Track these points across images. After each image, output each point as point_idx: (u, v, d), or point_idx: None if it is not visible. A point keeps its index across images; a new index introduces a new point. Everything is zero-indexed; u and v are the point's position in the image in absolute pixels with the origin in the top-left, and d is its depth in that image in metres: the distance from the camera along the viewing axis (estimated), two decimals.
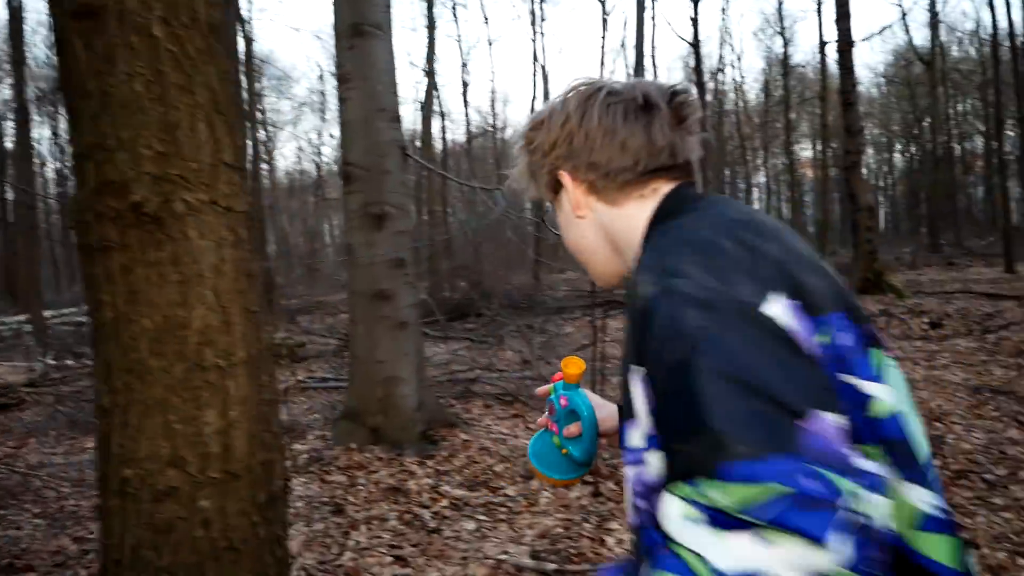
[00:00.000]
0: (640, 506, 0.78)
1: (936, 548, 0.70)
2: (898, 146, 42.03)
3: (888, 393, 0.74)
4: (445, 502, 4.28)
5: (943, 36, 28.07)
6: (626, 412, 0.79)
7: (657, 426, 0.71)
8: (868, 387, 0.73)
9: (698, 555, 0.62)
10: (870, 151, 41.40)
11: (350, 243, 5.30)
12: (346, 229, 5.46)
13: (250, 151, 21.80)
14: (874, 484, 0.63)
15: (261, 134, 27.21)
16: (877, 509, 0.62)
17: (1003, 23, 25.84)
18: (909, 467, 0.72)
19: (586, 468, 1.15)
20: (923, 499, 0.71)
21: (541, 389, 1.22)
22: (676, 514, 0.64)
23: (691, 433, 0.65)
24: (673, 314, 0.69)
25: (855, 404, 0.71)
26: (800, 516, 0.58)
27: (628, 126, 0.87)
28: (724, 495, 0.61)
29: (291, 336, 13.44)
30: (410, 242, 5.35)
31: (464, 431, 5.62)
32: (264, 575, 1.31)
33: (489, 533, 3.83)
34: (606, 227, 0.93)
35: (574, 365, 1.13)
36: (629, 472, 0.80)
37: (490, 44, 30.23)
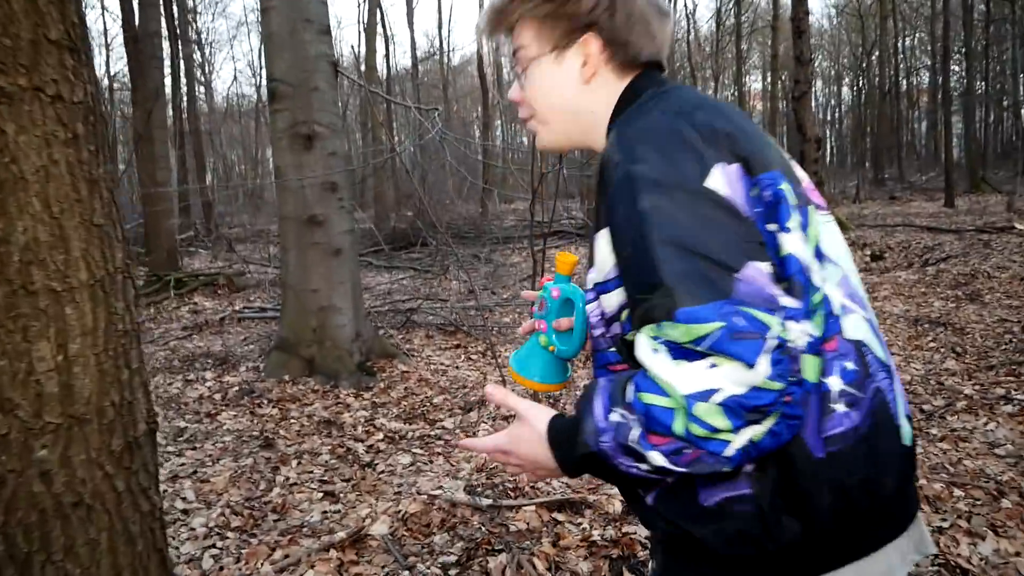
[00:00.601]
0: (597, 333, 0.96)
1: (812, 367, 0.82)
2: (847, 79, 42.26)
3: (791, 237, 0.85)
4: (380, 436, 4.14)
5: None
6: (589, 261, 0.95)
7: (624, 282, 0.87)
8: (781, 235, 0.86)
9: (667, 381, 0.78)
10: (819, 84, 41.55)
11: (278, 165, 4.98)
12: (274, 150, 5.12)
13: (183, 72, 20.65)
14: (792, 315, 0.79)
15: (197, 55, 25.79)
16: (794, 333, 0.78)
17: None
18: (804, 300, 0.83)
19: (568, 374, 1.15)
20: (808, 329, 0.81)
21: (527, 293, 1.25)
22: (646, 348, 0.81)
23: (650, 288, 0.81)
24: (633, 194, 0.84)
25: (772, 249, 0.84)
26: (734, 344, 0.76)
27: (657, 20, 1.01)
28: (678, 333, 0.78)
29: (230, 265, 13.01)
30: (343, 164, 5.04)
31: (403, 362, 5.46)
32: (126, 532, 1.12)
33: (424, 467, 3.71)
34: (588, 98, 1.01)
35: (568, 257, 1.15)
36: (591, 307, 0.96)
37: None
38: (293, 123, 4.80)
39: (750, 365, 0.75)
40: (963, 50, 23.80)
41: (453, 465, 3.73)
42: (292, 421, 4.38)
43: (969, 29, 23.09)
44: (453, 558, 2.81)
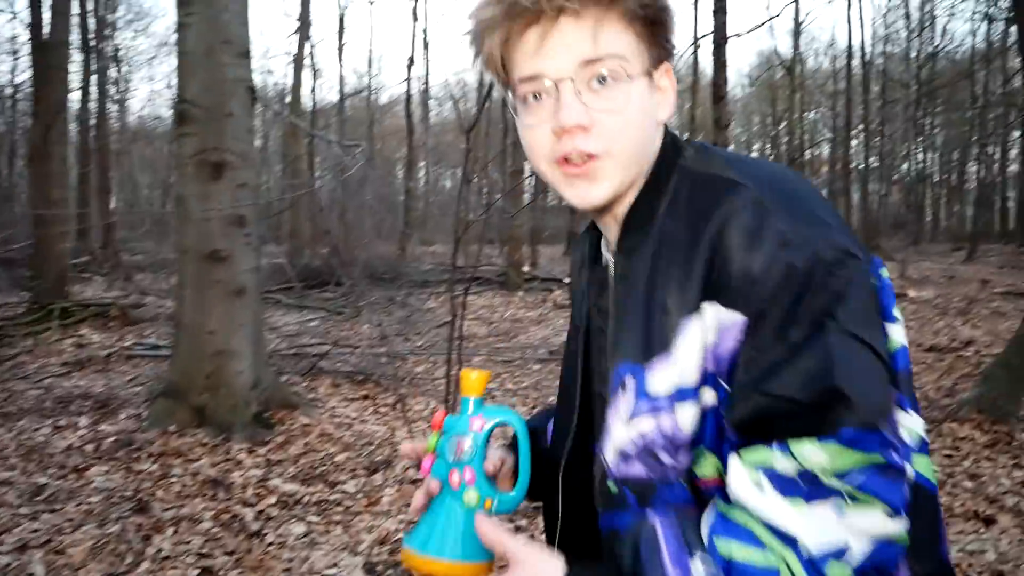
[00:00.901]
0: (667, 461, 0.72)
1: (925, 467, 0.72)
2: (756, 146, 44.33)
3: (898, 328, 0.73)
4: (273, 499, 3.74)
5: (803, 46, 29.59)
6: (648, 351, 0.73)
7: (746, 375, 0.66)
8: (888, 326, 0.71)
9: (785, 528, 0.62)
10: (732, 148, 43.38)
11: (181, 194, 4.57)
12: (178, 177, 4.71)
13: (95, 86, 19.59)
14: (920, 449, 0.70)
15: (113, 71, 24.63)
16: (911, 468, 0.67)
17: (856, 40, 27.48)
18: (912, 396, 0.72)
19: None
20: (919, 425, 0.72)
21: (407, 447, 0.96)
22: (745, 481, 0.64)
23: (811, 389, 0.63)
24: (820, 264, 0.65)
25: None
26: (884, 485, 0.62)
27: None
28: (828, 457, 0.61)
29: (126, 295, 12.15)
30: (254, 197, 4.68)
31: (306, 414, 5.06)
32: None
33: (320, 539, 3.33)
34: (655, 141, 0.81)
35: (477, 375, 0.87)
36: (644, 422, 0.73)
37: (371, 2, 28.57)
38: (201, 149, 4.43)
39: (896, 512, 0.63)
40: (860, 126, 25.34)
41: (352, 536, 3.37)
42: (173, 480, 3.92)
43: (868, 108, 24.64)
44: None
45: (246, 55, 4.53)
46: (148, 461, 4.15)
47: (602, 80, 0.73)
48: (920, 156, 29.58)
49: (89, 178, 18.49)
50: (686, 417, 0.70)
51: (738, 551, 0.64)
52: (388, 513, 3.59)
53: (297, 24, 18.48)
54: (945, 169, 35.21)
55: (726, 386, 0.68)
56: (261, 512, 3.59)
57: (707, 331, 0.69)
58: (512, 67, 0.76)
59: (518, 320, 10.51)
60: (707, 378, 0.69)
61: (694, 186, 0.76)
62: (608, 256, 0.86)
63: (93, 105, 19.50)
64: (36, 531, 3.35)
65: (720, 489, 0.70)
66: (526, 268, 15.59)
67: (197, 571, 3.01)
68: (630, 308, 0.76)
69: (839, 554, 0.61)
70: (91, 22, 18.69)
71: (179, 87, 4.50)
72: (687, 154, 0.80)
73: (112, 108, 29.02)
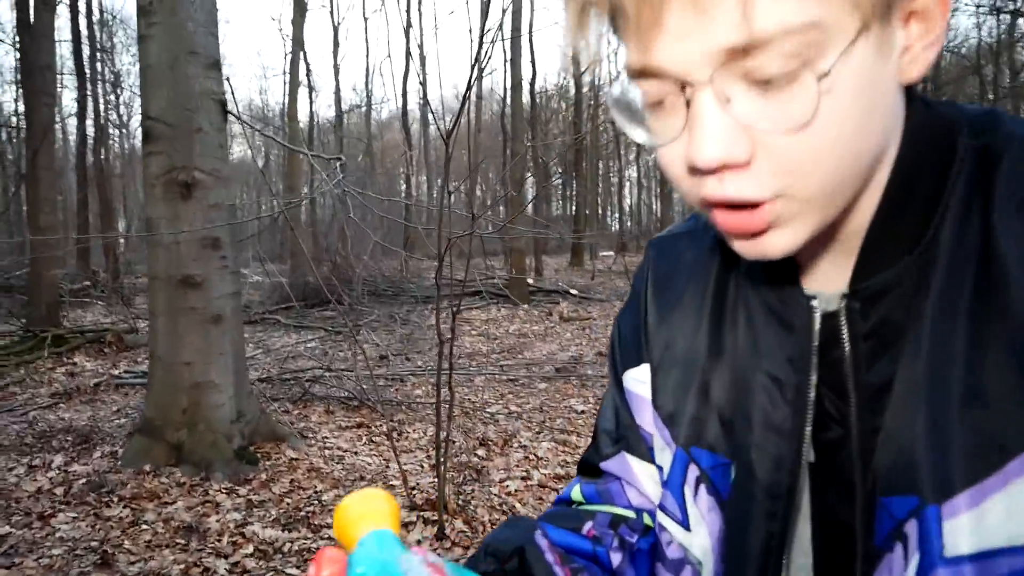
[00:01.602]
0: None
1: None
2: None
3: None
4: (250, 548, 3.42)
5: None
6: (947, 481, 0.42)
7: None
8: None
9: None
10: None
11: (150, 216, 4.28)
12: (146, 199, 4.42)
13: (91, 111, 19.48)
14: None
15: (112, 97, 24.61)
16: None
17: None
18: None
19: None
20: None
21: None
22: None
23: None
24: None
25: None
26: None
27: None
28: None
29: (124, 320, 11.90)
30: (228, 218, 4.38)
31: (294, 446, 4.74)
32: None
33: None
34: (893, 117, 0.45)
35: (379, 499, 0.50)
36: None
37: (365, 19, 28.30)
38: (169, 168, 4.14)
39: None
40: None
41: None
42: (144, 527, 3.61)
43: None
44: None
45: (215, 66, 4.25)
46: (119, 506, 3.84)
47: (766, 82, 0.39)
48: None
49: (88, 202, 18.33)
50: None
51: None
52: None
53: (292, 39, 18.29)
54: None
55: None
56: (236, 564, 3.27)
57: None
58: (624, 45, 0.43)
59: (523, 335, 10.18)
60: None
61: (1008, 182, 0.44)
62: (820, 294, 0.52)
63: (91, 130, 19.40)
64: None
65: None
66: (530, 280, 15.26)
67: None
68: (900, 397, 0.46)
69: None
70: (83, 47, 18.55)
71: (143, 103, 4.22)
72: (975, 124, 0.48)
73: (114, 132, 29.00)
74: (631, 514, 0.67)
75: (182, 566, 3.23)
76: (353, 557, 0.45)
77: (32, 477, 4.33)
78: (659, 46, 0.40)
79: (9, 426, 5.74)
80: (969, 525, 0.41)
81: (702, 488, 0.58)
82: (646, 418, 0.65)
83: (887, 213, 0.47)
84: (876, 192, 0.48)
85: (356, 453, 4.78)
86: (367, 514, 0.48)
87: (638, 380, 0.66)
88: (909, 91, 0.47)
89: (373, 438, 5.14)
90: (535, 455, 4.83)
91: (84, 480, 4.18)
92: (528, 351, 8.93)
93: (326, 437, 5.09)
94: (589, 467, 0.72)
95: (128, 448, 4.43)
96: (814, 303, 0.51)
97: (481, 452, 4.84)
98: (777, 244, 0.44)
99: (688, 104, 0.41)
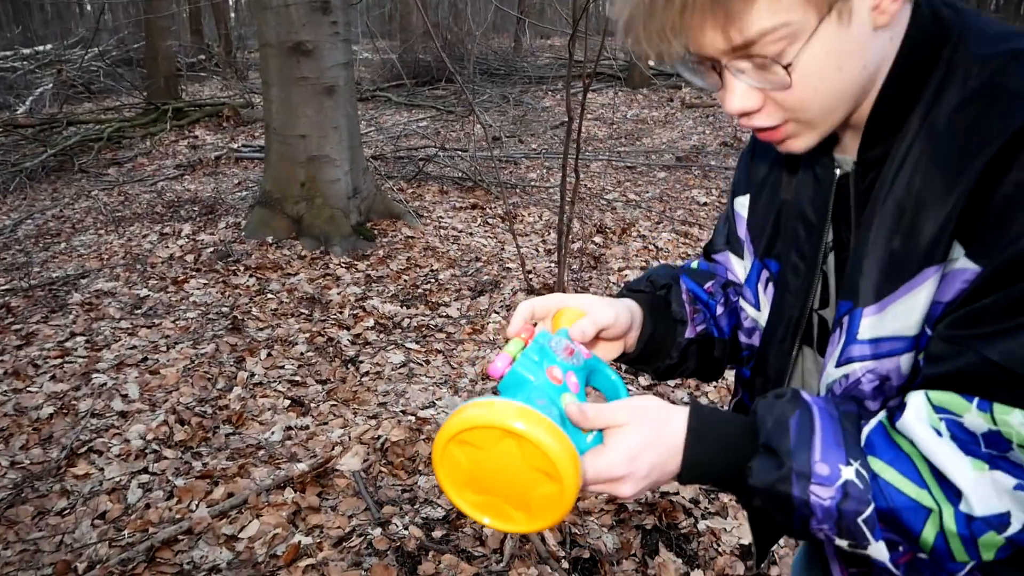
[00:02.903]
0: (869, 407, 0.71)
1: None
2: None
3: None
4: (371, 322, 3.45)
5: None
6: (879, 292, 0.68)
7: (964, 328, 0.60)
8: None
9: (957, 481, 0.59)
10: None
11: None
12: None
13: None
14: None
15: None
16: None
17: None
18: None
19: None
20: None
21: (514, 328, 0.77)
22: (923, 421, 0.62)
23: None
24: None
25: None
26: None
27: None
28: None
29: (240, 94, 11.99)
30: None
31: (409, 224, 4.69)
32: None
33: (418, 370, 3.04)
34: (878, 50, 0.65)
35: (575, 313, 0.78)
36: (855, 367, 0.70)
37: None
38: None
39: None
40: None
41: (454, 367, 3.06)
42: (270, 297, 3.70)
43: None
44: (440, 512, 2.18)
45: None
46: (245, 274, 3.95)
47: (761, 65, 0.62)
48: None
49: None
50: (902, 366, 0.67)
51: (890, 474, 0.61)
52: (493, 343, 3.24)
53: None
54: None
55: (929, 330, 0.64)
56: (358, 336, 3.32)
57: (942, 278, 0.62)
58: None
59: (642, 121, 9.57)
60: (925, 323, 0.64)
61: (971, 93, 0.62)
62: (842, 160, 0.75)
63: None
64: (133, 348, 3.23)
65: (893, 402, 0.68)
66: (650, 63, 14.14)
67: (288, 402, 2.80)
68: (869, 237, 0.68)
69: (999, 524, 0.58)
70: None
71: None
72: (958, 40, 0.65)
73: None
74: (735, 279, 0.95)
75: (307, 335, 3.31)
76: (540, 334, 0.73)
77: (164, 244, 4.50)
78: (700, 45, 0.62)
79: (140, 195, 5.98)
80: (873, 322, 0.68)
81: (769, 286, 0.86)
82: (743, 233, 0.90)
83: (881, 106, 0.68)
84: (873, 95, 0.68)
85: (471, 234, 4.69)
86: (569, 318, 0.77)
87: (742, 205, 0.91)
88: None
89: (488, 220, 5.02)
90: (654, 245, 4.61)
91: (211, 249, 4.30)
92: (647, 138, 8.41)
93: (440, 217, 5.01)
94: (706, 252, 0.99)
95: (250, 219, 4.49)
96: (836, 170, 0.75)
97: (598, 239, 4.65)
98: (795, 146, 0.70)
99: (720, 74, 0.65)
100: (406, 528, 2.10)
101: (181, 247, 4.39)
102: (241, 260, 4.11)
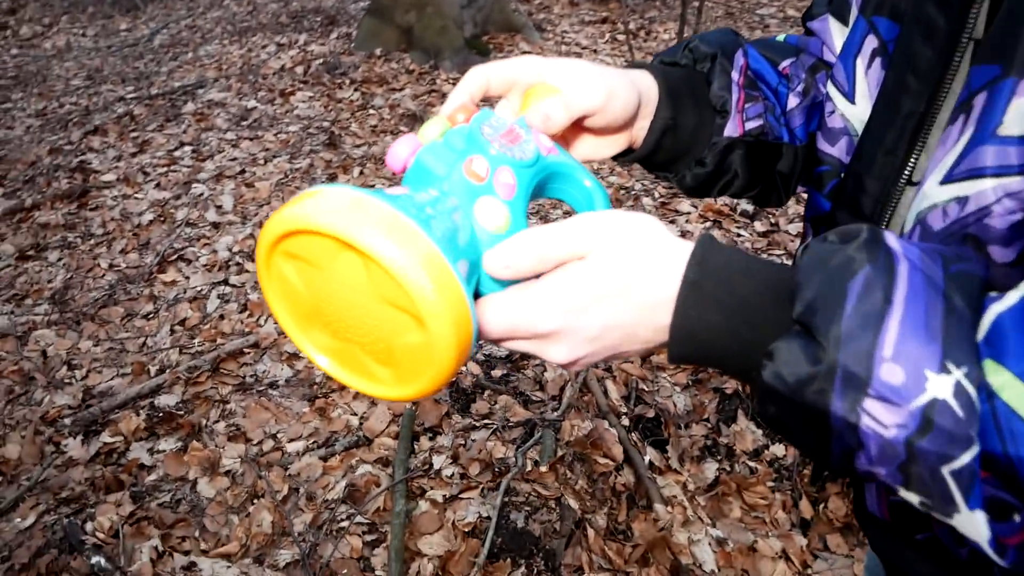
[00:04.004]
0: (1001, 258, 0.45)
1: None
2: None
3: None
4: None
5: None
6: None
7: None
8: None
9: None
10: None
11: None
12: None
13: None
14: None
15: None
16: None
17: None
18: None
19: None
20: None
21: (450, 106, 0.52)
22: None
23: None
24: None
25: None
26: None
27: None
28: None
29: None
30: None
31: (528, 39, 4.30)
32: None
33: None
34: None
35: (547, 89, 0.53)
36: (993, 184, 0.43)
37: None
38: None
39: None
40: None
41: None
42: (371, 112, 3.54)
43: None
44: (503, 351, 2.04)
45: None
46: (349, 88, 3.79)
47: None
48: None
49: None
50: None
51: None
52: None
53: None
54: None
55: None
56: None
57: None
58: None
59: None
60: None
61: None
62: None
63: None
64: (234, 159, 3.22)
65: None
66: None
67: None
68: None
69: None
70: None
71: None
72: None
73: None
74: (832, 59, 0.65)
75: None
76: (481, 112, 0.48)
77: (278, 55, 4.41)
78: None
79: (268, 4, 5.87)
80: None
81: (876, 63, 0.58)
82: None
83: None
84: None
85: (595, 51, 4.24)
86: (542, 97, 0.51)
87: None
88: None
89: (616, 36, 4.51)
90: None
91: (320, 60, 4.16)
92: None
93: (565, 31, 4.56)
94: (804, 21, 0.70)
95: (360, 30, 4.27)
96: None
97: None
98: None
99: None
100: (465, 364, 1.99)
101: (292, 58, 4.28)
102: (348, 73, 3.95)
